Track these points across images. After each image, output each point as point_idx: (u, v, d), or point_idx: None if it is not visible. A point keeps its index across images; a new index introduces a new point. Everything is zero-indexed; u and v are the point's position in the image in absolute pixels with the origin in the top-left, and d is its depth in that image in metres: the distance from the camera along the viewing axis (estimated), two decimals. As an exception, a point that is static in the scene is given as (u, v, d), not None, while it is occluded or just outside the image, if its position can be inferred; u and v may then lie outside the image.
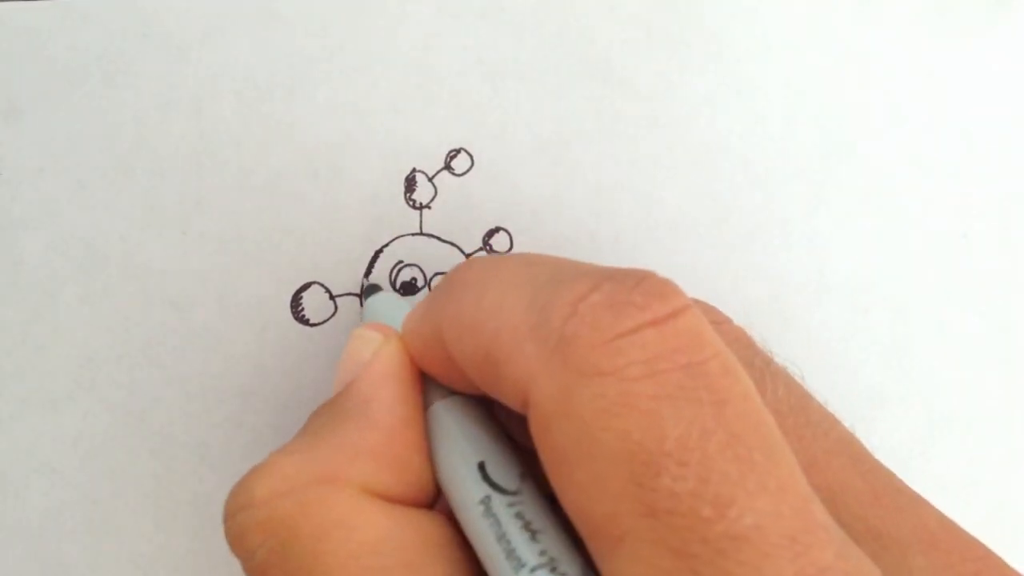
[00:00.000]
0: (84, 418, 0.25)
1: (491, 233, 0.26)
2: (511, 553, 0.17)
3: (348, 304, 0.26)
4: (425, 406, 0.20)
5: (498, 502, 0.17)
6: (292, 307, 0.25)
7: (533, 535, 0.17)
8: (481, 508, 0.17)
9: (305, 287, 0.25)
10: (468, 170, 0.26)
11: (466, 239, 0.26)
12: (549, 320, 0.16)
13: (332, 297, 0.25)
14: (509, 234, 0.26)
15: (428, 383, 0.20)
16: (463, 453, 0.19)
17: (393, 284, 0.26)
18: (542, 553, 0.16)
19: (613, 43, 0.27)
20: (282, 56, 0.26)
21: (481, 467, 0.18)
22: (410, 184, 0.26)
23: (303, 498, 0.18)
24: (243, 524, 0.18)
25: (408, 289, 0.26)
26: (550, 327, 0.16)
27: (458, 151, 0.26)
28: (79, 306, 0.25)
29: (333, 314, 0.25)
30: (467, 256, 0.26)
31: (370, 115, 0.26)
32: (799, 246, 0.27)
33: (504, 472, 0.18)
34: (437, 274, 0.26)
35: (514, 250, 0.26)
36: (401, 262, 0.26)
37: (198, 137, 0.26)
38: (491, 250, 0.26)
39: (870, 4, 0.27)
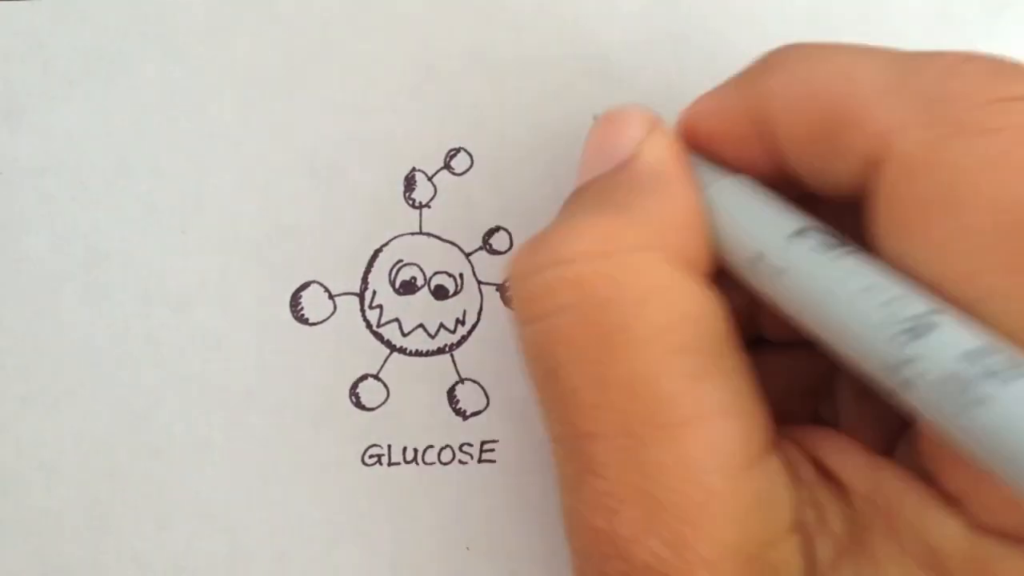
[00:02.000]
0: (84, 418, 0.25)
1: (491, 232, 0.26)
2: (871, 288, 0.16)
3: (347, 303, 0.26)
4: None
5: (815, 234, 0.17)
6: (291, 306, 0.25)
7: (853, 246, 0.16)
8: (795, 237, 0.17)
9: (304, 286, 0.26)
10: (468, 169, 0.26)
11: (466, 238, 0.26)
12: (921, 78, 0.16)
13: (331, 296, 0.25)
14: (509, 233, 0.26)
15: (698, 167, 0.20)
16: (768, 207, 0.18)
17: (392, 283, 0.26)
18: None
19: (613, 43, 0.27)
20: (282, 56, 0.26)
21: (787, 213, 0.18)
22: (409, 183, 0.26)
23: (624, 261, 0.17)
24: (548, 281, 0.17)
25: (408, 288, 0.26)
26: (924, 83, 0.16)
27: (457, 150, 0.26)
28: (79, 306, 0.25)
29: (332, 313, 0.25)
30: (467, 255, 0.26)
31: (370, 115, 0.26)
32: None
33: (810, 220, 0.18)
34: (437, 273, 0.26)
35: (514, 250, 0.26)
36: (400, 261, 0.26)
37: (198, 137, 0.26)
38: (491, 249, 0.26)
39: (870, 4, 0.27)
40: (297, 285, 0.25)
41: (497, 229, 0.26)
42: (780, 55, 0.19)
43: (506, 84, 0.26)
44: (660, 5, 0.27)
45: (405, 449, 0.25)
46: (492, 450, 0.25)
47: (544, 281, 0.18)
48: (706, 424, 0.16)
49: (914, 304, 0.15)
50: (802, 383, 0.22)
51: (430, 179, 0.26)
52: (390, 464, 0.25)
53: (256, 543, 0.25)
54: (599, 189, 0.19)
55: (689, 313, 0.17)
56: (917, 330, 0.15)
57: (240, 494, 0.25)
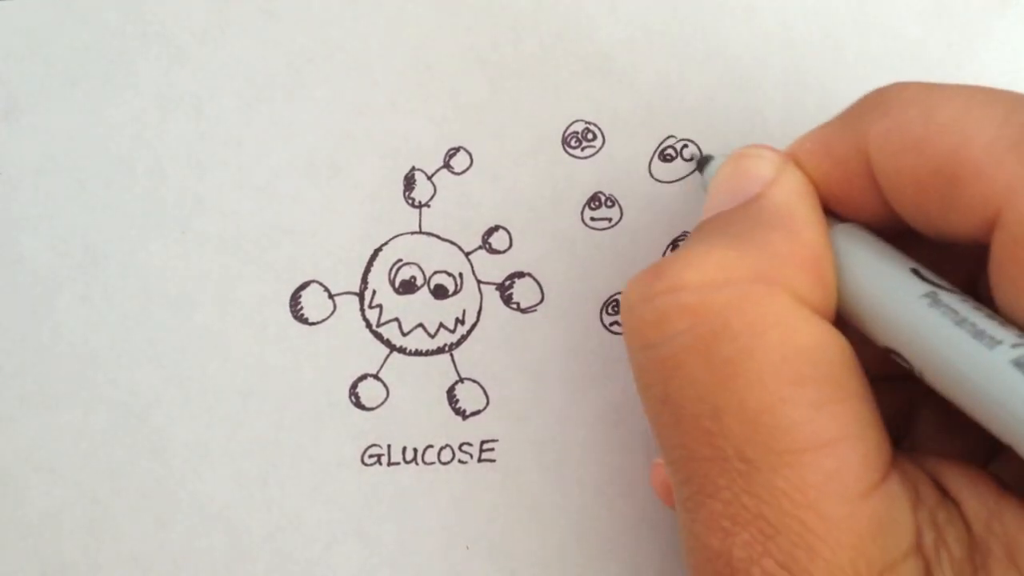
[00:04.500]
0: (84, 418, 0.25)
1: (490, 231, 0.26)
2: (980, 333, 0.16)
3: (347, 303, 0.26)
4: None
5: (945, 296, 0.17)
6: (291, 306, 0.25)
7: (997, 320, 0.16)
8: (927, 300, 0.17)
9: (304, 286, 0.26)
10: (467, 168, 0.26)
11: (465, 237, 0.26)
12: None
13: (331, 296, 0.25)
14: (508, 232, 0.26)
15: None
16: (891, 261, 0.18)
17: (392, 283, 0.26)
18: (1021, 335, 0.16)
19: (613, 43, 0.27)
20: (282, 56, 0.26)
21: (915, 271, 0.18)
22: (409, 182, 0.26)
23: (742, 292, 0.17)
24: (668, 307, 0.18)
25: (407, 288, 0.26)
26: None
27: (457, 149, 0.26)
28: (79, 306, 0.25)
29: (332, 313, 0.25)
30: (466, 255, 0.26)
31: (369, 114, 0.26)
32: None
33: (935, 277, 0.18)
34: (437, 272, 0.26)
35: (514, 248, 0.26)
36: (400, 260, 0.26)
37: (198, 137, 0.26)
38: (491, 248, 0.26)
39: (870, 4, 0.27)
40: (297, 285, 0.26)
41: (496, 228, 0.26)
42: (886, 96, 0.18)
43: (506, 84, 0.26)
44: (660, 5, 0.27)
45: (405, 449, 0.25)
46: (492, 449, 0.25)
47: (661, 307, 0.18)
48: (823, 452, 0.17)
49: (1000, 334, 0.16)
50: (884, 413, 0.21)
51: (430, 178, 0.26)
52: (390, 464, 0.25)
53: (256, 542, 0.25)
54: (723, 222, 0.19)
55: (806, 346, 0.17)
56: None
57: (239, 493, 0.25)
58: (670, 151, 0.26)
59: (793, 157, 0.20)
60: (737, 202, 0.20)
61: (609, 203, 0.26)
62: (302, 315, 0.25)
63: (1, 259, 0.25)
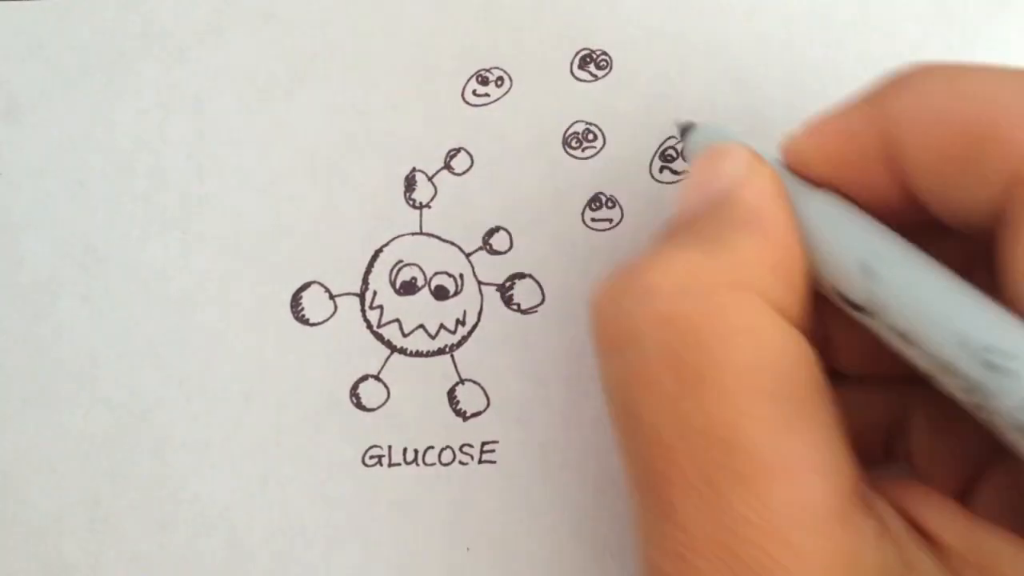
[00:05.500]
0: (84, 418, 0.25)
1: (491, 232, 0.26)
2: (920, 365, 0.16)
3: (348, 304, 0.26)
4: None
5: (868, 321, 0.17)
6: (292, 307, 0.25)
7: (906, 339, 0.16)
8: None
9: (305, 287, 0.26)
10: (468, 169, 0.26)
11: (466, 238, 0.26)
12: None
13: (332, 297, 0.25)
14: (509, 233, 0.26)
15: (793, 186, 0.19)
16: (866, 222, 0.18)
17: (393, 284, 0.26)
18: (928, 358, 0.16)
19: (613, 43, 0.27)
20: (282, 56, 0.26)
21: (839, 294, 0.18)
22: (410, 183, 0.26)
23: (712, 298, 0.17)
24: (638, 314, 0.17)
25: (408, 289, 0.26)
26: None
27: (458, 150, 0.26)
28: (79, 306, 0.25)
29: (333, 314, 0.25)
30: (467, 256, 0.26)
31: (370, 115, 0.26)
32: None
33: (854, 284, 0.18)
34: (437, 273, 0.26)
35: (514, 249, 0.26)
36: (401, 261, 0.26)
37: (198, 137, 0.26)
38: (491, 249, 0.26)
39: (870, 4, 0.27)
40: (298, 285, 0.25)
41: (497, 229, 0.26)
42: (912, 75, 0.18)
43: (506, 84, 0.26)
44: (660, 5, 0.27)
45: (405, 450, 0.25)
46: (492, 451, 0.25)
47: (628, 313, 0.17)
48: (792, 478, 0.16)
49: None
50: (876, 418, 0.21)
51: (430, 179, 0.26)
52: (390, 465, 0.25)
53: (256, 543, 0.25)
54: (693, 224, 0.19)
55: (778, 357, 0.17)
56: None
57: (240, 494, 0.25)
58: (671, 151, 0.26)
59: (810, 138, 0.20)
60: (707, 200, 0.19)
61: (610, 204, 0.26)
62: (303, 316, 0.25)
63: (2, 259, 0.25)
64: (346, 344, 0.25)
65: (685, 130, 0.23)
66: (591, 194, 0.26)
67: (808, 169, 0.20)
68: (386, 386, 0.25)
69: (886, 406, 0.21)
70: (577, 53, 0.26)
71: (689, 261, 0.17)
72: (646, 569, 0.17)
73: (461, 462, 0.25)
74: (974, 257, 0.19)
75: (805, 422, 0.16)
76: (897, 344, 0.17)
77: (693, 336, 0.17)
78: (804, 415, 0.17)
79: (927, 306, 0.16)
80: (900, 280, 0.17)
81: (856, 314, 0.18)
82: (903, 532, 0.17)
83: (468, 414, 0.25)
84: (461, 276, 0.26)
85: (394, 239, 0.26)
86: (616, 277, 0.18)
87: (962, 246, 0.19)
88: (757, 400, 0.16)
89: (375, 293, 0.25)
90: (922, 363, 0.16)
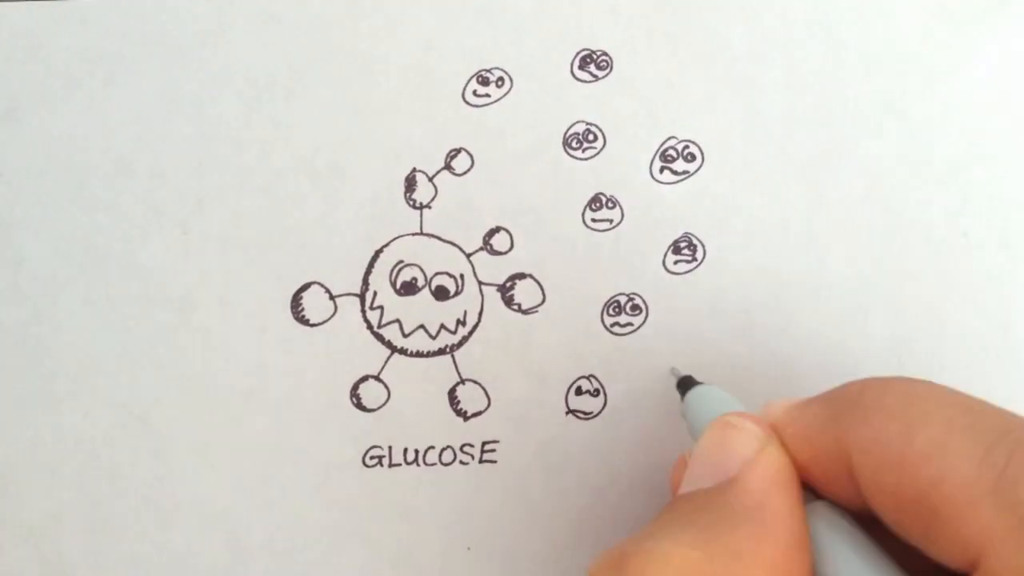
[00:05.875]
0: (84, 418, 0.25)
1: (491, 233, 0.26)
2: None
3: (348, 304, 0.26)
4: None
5: None
6: (292, 307, 0.25)
7: None
8: None
9: (305, 287, 0.25)
10: (468, 170, 0.26)
11: (466, 239, 0.26)
12: (1016, 491, 0.15)
13: (332, 297, 0.25)
14: (509, 234, 0.26)
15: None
16: (863, 550, 0.18)
17: (393, 284, 0.26)
18: None
19: (613, 43, 0.27)
20: (282, 56, 0.26)
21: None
22: (410, 184, 0.26)
23: None
24: None
25: (408, 289, 0.26)
26: (1017, 498, 0.15)
27: (458, 151, 0.26)
28: (79, 306, 0.25)
29: (333, 314, 0.25)
30: (468, 256, 0.26)
31: (370, 115, 0.26)
32: (798, 246, 0.27)
33: None
34: (438, 273, 0.26)
35: (515, 250, 0.26)
36: (401, 262, 0.26)
37: (198, 137, 0.26)
38: (492, 250, 0.26)
39: (870, 4, 0.27)
40: (298, 286, 0.25)
41: (497, 230, 0.26)
42: (867, 399, 0.18)
43: (506, 84, 0.26)
44: (660, 5, 0.27)
45: (406, 450, 0.25)
46: (493, 450, 0.25)
47: None
48: None
49: None
50: None
51: (431, 180, 0.26)
52: (391, 465, 0.25)
53: (256, 543, 0.25)
54: (696, 508, 0.19)
55: None
56: None
57: (240, 494, 0.25)
58: (671, 152, 0.26)
59: (786, 436, 0.20)
60: (715, 479, 0.19)
61: (610, 204, 0.26)
62: (303, 316, 0.25)
63: (2, 260, 0.25)
64: (346, 344, 0.25)
65: (683, 385, 0.24)
66: (591, 194, 0.26)
67: None
68: (386, 386, 0.25)
69: None
70: (577, 53, 0.26)
71: (686, 559, 0.17)
72: None
73: (462, 462, 0.25)
74: None
75: None
76: None
77: None
78: None
79: None
80: None
81: None
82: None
83: (469, 414, 0.25)
84: (462, 276, 0.26)
85: (394, 239, 0.26)
86: (611, 560, 0.18)
87: None
88: None
89: (375, 293, 0.25)
90: None
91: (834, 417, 0.19)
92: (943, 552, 0.16)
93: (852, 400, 0.18)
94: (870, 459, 0.17)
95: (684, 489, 0.20)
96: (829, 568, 0.18)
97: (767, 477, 0.19)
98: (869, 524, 0.18)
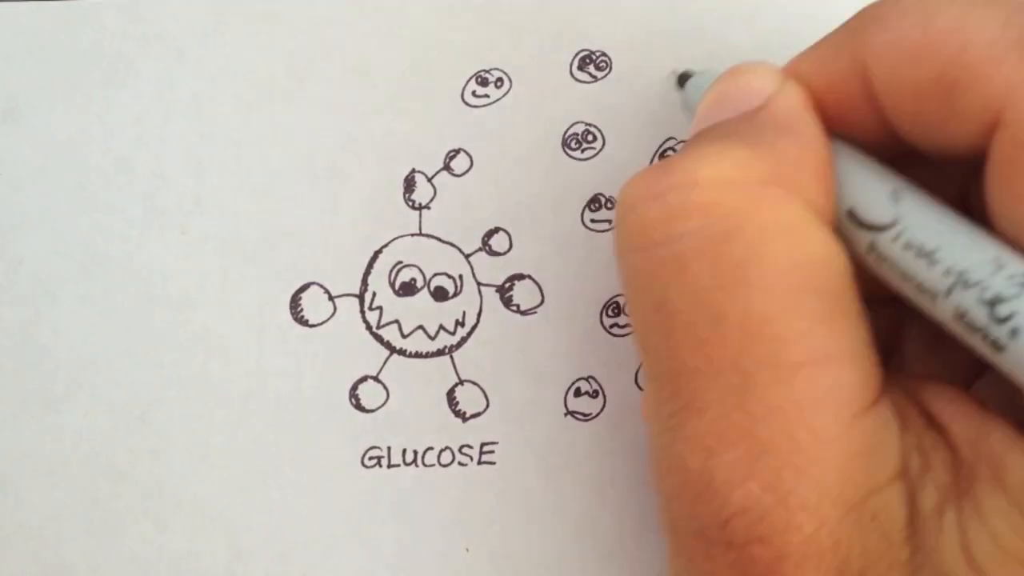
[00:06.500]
0: (84, 418, 0.25)
1: (490, 233, 0.26)
2: (920, 288, 0.16)
3: (347, 305, 0.26)
4: None
5: (883, 240, 0.17)
6: (291, 307, 0.25)
7: (930, 258, 0.16)
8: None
9: (304, 287, 0.26)
10: (467, 170, 0.26)
11: (465, 239, 0.26)
12: None
13: (331, 298, 0.25)
14: (508, 234, 0.26)
15: None
16: (875, 173, 0.18)
17: (392, 285, 0.26)
18: (946, 272, 0.16)
19: (613, 43, 0.27)
20: (282, 56, 0.26)
21: (850, 213, 0.18)
22: (409, 184, 0.26)
23: (757, 193, 0.17)
24: (678, 203, 0.17)
25: (407, 290, 0.26)
26: None
27: (457, 151, 0.26)
28: (79, 306, 0.25)
29: (332, 315, 0.25)
30: (466, 257, 0.26)
31: (370, 115, 0.26)
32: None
33: (879, 205, 0.18)
34: (437, 274, 0.26)
35: (514, 250, 0.26)
36: (400, 262, 0.26)
37: (198, 137, 0.26)
38: (491, 251, 0.26)
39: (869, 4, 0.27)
40: (297, 286, 0.25)
41: (496, 230, 0.26)
42: (884, 8, 0.18)
43: (506, 85, 0.26)
44: (660, 5, 0.27)
45: (405, 451, 0.25)
46: (492, 451, 0.25)
47: (670, 204, 0.17)
48: (823, 368, 0.16)
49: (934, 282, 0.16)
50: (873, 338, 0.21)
51: (430, 180, 0.26)
52: (390, 466, 0.25)
53: (256, 544, 0.25)
54: (729, 128, 0.19)
55: (815, 254, 0.17)
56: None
57: (240, 495, 0.25)
58: (671, 152, 0.26)
59: (791, 74, 0.20)
60: (736, 113, 0.19)
61: (609, 205, 0.26)
62: (302, 317, 0.25)
63: (1, 259, 0.25)
64: (345, 345, 0.25)
65: (683, 79, 0.23)
66: (591, 195, 0.26)
67: None
68: (385, 387, 0.25)
69: (880, 323, 0.21)
70: (577, 54, 0.26)
71: (735, 156, 0.17)
72: (669, 467, 0.17)
73: (461, 463, 0.25)
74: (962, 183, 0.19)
75: (836, 316, 0.17)
76: (907, 264, 0.17)
77: (737, 230, 0.16)
78: (835, 310, 0.17)
79: (949, 222, 0.17)
80: (922, 202, 0.17)
81: (868, 234, 0.18)
82: (919, 422, 0.17)
83: (467, 415, 0.25)
84: (460, 277, 0.26)
85: (393, 240, 0.26)
86: (653, 171, 0.18)
87: (947, 174, 0.19)
88: (792, 293, 0.16)
89: (374, 294, 0.25)
90: (929, 283, 0.17)
91: (849, 37, 0.18)
92: (961, 127, 0.16)
93: (868, 15, 0.18)
94: (888, 60, 0.17)
95: (700, 127, 0.20)
96: (848, 190, 0.18)
97: (794, 102, 0.19)
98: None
